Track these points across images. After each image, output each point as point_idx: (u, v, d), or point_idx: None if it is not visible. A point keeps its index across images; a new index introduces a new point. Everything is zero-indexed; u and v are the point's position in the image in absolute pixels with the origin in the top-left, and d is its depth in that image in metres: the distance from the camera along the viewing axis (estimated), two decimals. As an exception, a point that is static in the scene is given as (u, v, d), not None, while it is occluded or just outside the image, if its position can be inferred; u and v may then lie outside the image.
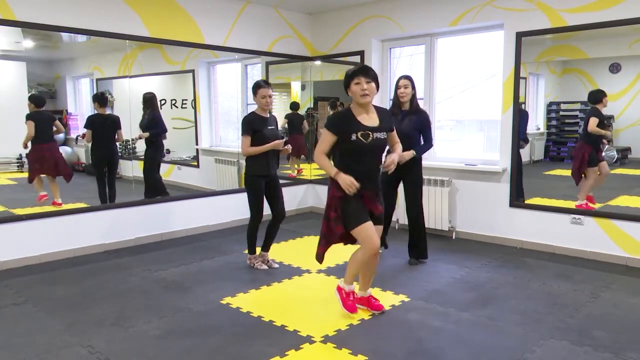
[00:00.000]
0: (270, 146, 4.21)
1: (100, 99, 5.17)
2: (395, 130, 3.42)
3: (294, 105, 7.01)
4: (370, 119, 3.22)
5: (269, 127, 4.27)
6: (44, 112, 4.87)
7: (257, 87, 4.23)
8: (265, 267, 4.49)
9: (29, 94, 4.78)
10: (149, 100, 5.57)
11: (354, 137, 3.14)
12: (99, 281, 4.14)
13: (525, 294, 3.83)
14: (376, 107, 3.31)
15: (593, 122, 4.66)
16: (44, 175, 4.92)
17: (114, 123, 5.25)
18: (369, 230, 3.18)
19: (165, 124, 5.70)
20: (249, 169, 4.30)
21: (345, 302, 3.45)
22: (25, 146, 4.77)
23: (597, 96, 4.67)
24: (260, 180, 4.29)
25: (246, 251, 4.66)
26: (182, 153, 6.16)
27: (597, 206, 4.77)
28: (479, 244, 5.28)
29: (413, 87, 4.44)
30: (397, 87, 4.46)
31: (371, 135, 3.17)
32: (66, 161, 5.15)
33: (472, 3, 5.22)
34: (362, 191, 3.20)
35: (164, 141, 5.75)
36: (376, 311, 3.47)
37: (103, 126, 5.20)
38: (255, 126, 4.20)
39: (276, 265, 4.53)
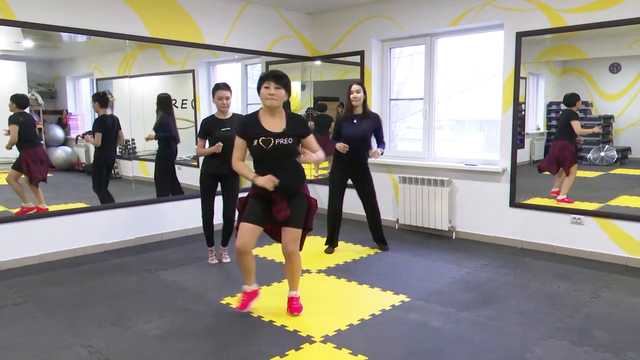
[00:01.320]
0: (212, 150, 4.34)
1: (102, 99, 5.14)
2: (312, 136, 3.38)
3: (322, 107, 6.93)
4: (275, 124, 3.25)
5: (223, 129, 4.35)
6: (28, 114, 4.70)
7: (215, 88, 4.37)
8: (215, 261, 4.66)
9: (12, 94, 4.60)
10: (162, 102, 5.60)
11: (255, 142, 3.22)
12: (99, 281, 4.14)
13: (525, 294, 3.83)
14: (288, 113, 3.33)
15: (577, 125, 4.86)
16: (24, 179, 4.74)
17: (117, 124, 5.25)
18: (243, 229, 3.27)
19: (176, 128, 5.69)
20: (201, 167, 4.55)
21: (240, 300, 3.52)
22: (10, 149, 4.64)
23: (572, 99, 4.86)
24: (208, 177, 4.47)
25: (209, 259, 4.76)
26: (182, 153, 6.15)
27: (597, 206, 4.78)
28: (479, 244, 5.29)
29: (364, 93, 4.77)
30: (349, 92, 4.76)
31: (273, 141, 3.20)
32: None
33: (472, 3, 5.22)
34: (269, 194, 3.24)
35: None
36: (290, 313, 3.44)
37: (112, 127, 5.21)
38: (207, 129, 4.39)
39: (226, 260, 4.67)
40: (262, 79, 3.24)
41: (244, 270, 3.43)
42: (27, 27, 4.48)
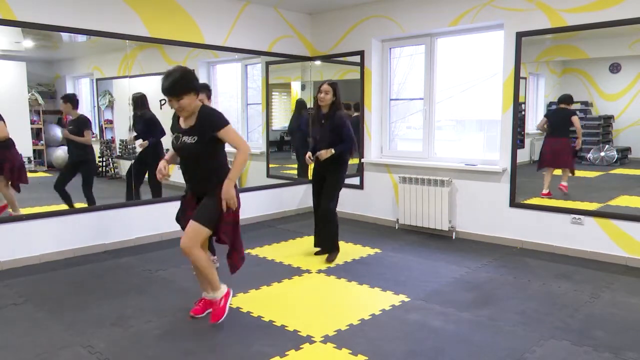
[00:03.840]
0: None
1: (73, 99, 5.02)
2: (227, 133, 3.13)
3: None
4: (187, 123, 3.15)
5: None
6: None
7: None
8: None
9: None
10: (137, 101, 5.41)
11: (172, 138, 3.25)
12: (99, 281, 4.14)
13: (525, 294, 3.83)
14: (203, 112, 3.13)
15: (577, 120, 4.90)
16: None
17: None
18: (182, 230, 3.32)
19: (161, 125, 5.55)
20: None
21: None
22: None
23: (571, 99, 4.92)
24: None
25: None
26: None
27: (597, 206, 4.78)
28: (479, 244, 5.29)
29: (336, 95, 4.53)
30: (318, 91, 4.60)
31: (180, 138, 3.17)
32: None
33: (472, 3, 5.22)
34: (190, 191, 3.37)
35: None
36: (192, 312, 3.39)
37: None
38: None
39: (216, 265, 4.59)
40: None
41: (198, 274, 3.44)
42: (27, 27, 4.49)
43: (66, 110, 5.05)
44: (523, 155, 5.21)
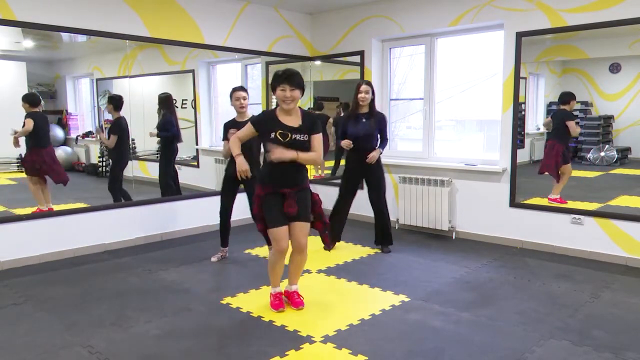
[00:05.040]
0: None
1: (34, 98, 4.89)
2: (319, 136, 3.41)
3: (319, 106, 6.95)
4: (292, 121, 3.37)
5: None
6: (40, 113, 4.76)
7: (232, 91, 4.51)
8: (215, 259, 4.72)
9: (23, 94, 4.65)
10: (163, 101, 5.68)
11: (272, 135, 3.31)
12: (99, 281, 4.14)
13: (525, 294, 3.83)
14: (303, 111, 3.48)
15: (573, 124, 4.87)
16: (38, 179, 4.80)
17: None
18: (279, 234, 3.34)
19: (178, 127, 5.77)
20: (226, 167, 4.62)
21: (272, 303, 3.54)
22: (17, 143, 4.66)
23: (566, 97, 4.89)
24: (231, 178, 4.45)
25: (247, 250, 4.93)
26: (182, 153, 6.16)
27: (597, 206, 4.77)
28: (479, 244, 5.28)
29: (373, 93, 4.78)
30: (357, 91, 4.75)
31: (290, 136, 3.32)
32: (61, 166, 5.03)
33: (472, 3, 5.22)
34: (280, 189, 3.34)
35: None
36: (295, 307, 3.54)
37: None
38: (228, 131, 4.41)
39: (214, 259, 4.73)
40: (277, 81, 3.34)
41: (295, 268, 3.56)
42: (27, 27, 4.48)
43: (109, 111, 5.26)
44: (523, 155, 5.21)
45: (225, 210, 4.64)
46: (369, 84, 4.78)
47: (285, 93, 3.30)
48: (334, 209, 5.05)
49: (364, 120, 4.78)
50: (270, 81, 3.43)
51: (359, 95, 4.73)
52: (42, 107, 4.81)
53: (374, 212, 5.00)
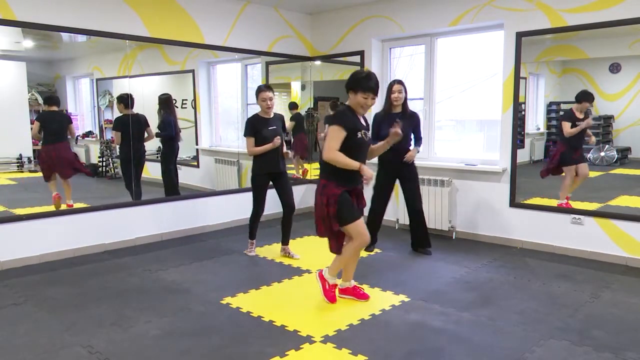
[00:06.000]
0: (269, 147, 4.48)
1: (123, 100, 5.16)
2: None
3: (293, 105, 7.01)
4: (363, 119, 3.49)
5: (270, 128, 4.53)
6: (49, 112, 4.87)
7: (257, 90, 4.52)
8: (253, 254, 4.81)
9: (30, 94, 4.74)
10: (163, 102, 5.72)
11: (359, 134, 3.36)
12: (99, 281, 4.14)
13: (525, 294, 3.83)
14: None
15: (565, 125, 4.87)
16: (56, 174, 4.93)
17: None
18: (361, 226, 3.42)
19: (177, 128, 5.82)
20: (254, 167, 4.61)
21: (328, 292, 3.63)
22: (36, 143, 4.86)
23: (577, 96, 4.81)
24: (263, 177, 4.58)
25: (247, 251, 4.91)
26: (182, 153, 6.16)
27: (597, 206, 4.77)
28: (479, 244, 5.28)
29: (405, 92, 4.67)
30: (391, 91, 4.65)
31: (368, 135, 3.48)
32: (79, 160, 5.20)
33: (472, 3, 5.22)
34: (354, 187, 3.45)
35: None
36: (363, 299, 3.65)
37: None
38: (255, 127, 4.49)
39: (297, 257, 4.74)
40: (364, 89, 3.29)
41: (354, 264, 3.66)
42: (27, 27, 4.48)
43: (120, 110, 5.30)
44: (523, 155, 5.21)
45: (262, 211, 4.70)
46: (401, 82, 4.65)
47: (368, 101, 3.34)
48: (370, 210, 4.89)
49: (398, 120, 4.64)
50: (351, 81, 3.38)
51: (393, 96, 4.61)
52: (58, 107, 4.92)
53: (409, 214, 4.93)
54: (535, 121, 5.26)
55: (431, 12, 5.54)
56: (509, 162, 5.14)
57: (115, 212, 5.15)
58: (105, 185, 5.53)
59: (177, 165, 5.94)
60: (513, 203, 5.16)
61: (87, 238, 4.94)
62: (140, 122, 5.40)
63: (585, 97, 4.78)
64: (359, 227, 3.39)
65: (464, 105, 5.95)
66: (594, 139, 4.82)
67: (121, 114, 5.27)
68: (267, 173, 4.58)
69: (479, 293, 3.85)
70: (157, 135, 5.69)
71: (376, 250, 5.03)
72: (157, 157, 5.82)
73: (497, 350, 2.93)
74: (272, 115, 4.57)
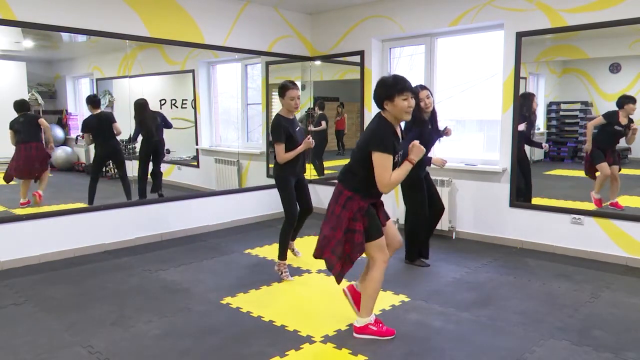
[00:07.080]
0: (303, 147, 4.20)
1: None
2: None
3: (321, 105, 6.94)
4: (398, 132, 3.01)
5: (297, 129, 4.24)
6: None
7: (284, 88, 4.09)
8: (291, 278, 4.22)
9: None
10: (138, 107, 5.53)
11: (396, 158, 2.93)
12: (99, 281, 4.14)
13: (525, 294, 3.83)
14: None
15: (590, 124, 4.80)
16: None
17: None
18: (384, 242, 3.05)
19: (140, 129, 5.61)
20: (280, 171, 4.20)
21: (381, 332, 3.10)
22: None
23: (619, 102, 4.61)
24: (292, 179, 4.25)
25: (246, 250, 4.75)
26: (182, 153, 6.17)
27: (596, 206, 4.77)
28: (479, 244, 5.28)
29: (431, 94, 4.37)
30: (418, 99, 4.18)
31: (400, 157, 3.01)
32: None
33: (472, 3, 5.22)
34: (375, 200, 3.08)
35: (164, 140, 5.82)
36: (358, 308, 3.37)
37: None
38: (287, 131, 4.11)
39: (300, 254, 4.75)
40: (399, 90, 2.88)
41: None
42: (27, 27, 4.48)
43: (89, 110, 5.20)
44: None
45: (297, 215, 4.32)
46: (426, 87, 4.32)
47: (409, 102, 2.88)
48: (421, 226, 4.59)
49: (429, 127, 4.36)
50: (382, 91, 2.93)
51: (421, 104, 4.21)
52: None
53: (434, 215, 4.69)
54: (536, 121, 5.26)
55: (431, 12, 5.54)
56: (509, 162, 5.14)
57: (115, 212, 5.15)
58: (105, 185, 5.53)
59: (178, 165, 5.92)
60: (513, 203, 5.16)
61: (87, 238, 4.94)
62: (109, 119, 5.27)
63: (626, 100, 4.54)
64: (382, 242, 3.02)
65: (464, 105, 5.95)
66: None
67: (89, 115, 5.17)
68: (292, 175, 4.25)
69: (479, 293, 3.85)
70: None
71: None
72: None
73: (497, 350, 2.93)
74: (293, 115, 4.26)
